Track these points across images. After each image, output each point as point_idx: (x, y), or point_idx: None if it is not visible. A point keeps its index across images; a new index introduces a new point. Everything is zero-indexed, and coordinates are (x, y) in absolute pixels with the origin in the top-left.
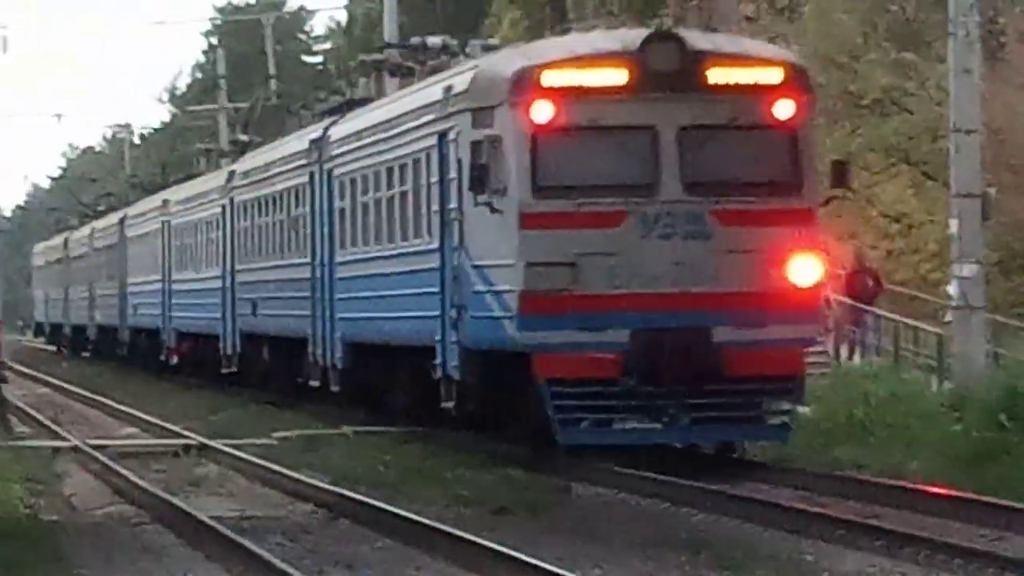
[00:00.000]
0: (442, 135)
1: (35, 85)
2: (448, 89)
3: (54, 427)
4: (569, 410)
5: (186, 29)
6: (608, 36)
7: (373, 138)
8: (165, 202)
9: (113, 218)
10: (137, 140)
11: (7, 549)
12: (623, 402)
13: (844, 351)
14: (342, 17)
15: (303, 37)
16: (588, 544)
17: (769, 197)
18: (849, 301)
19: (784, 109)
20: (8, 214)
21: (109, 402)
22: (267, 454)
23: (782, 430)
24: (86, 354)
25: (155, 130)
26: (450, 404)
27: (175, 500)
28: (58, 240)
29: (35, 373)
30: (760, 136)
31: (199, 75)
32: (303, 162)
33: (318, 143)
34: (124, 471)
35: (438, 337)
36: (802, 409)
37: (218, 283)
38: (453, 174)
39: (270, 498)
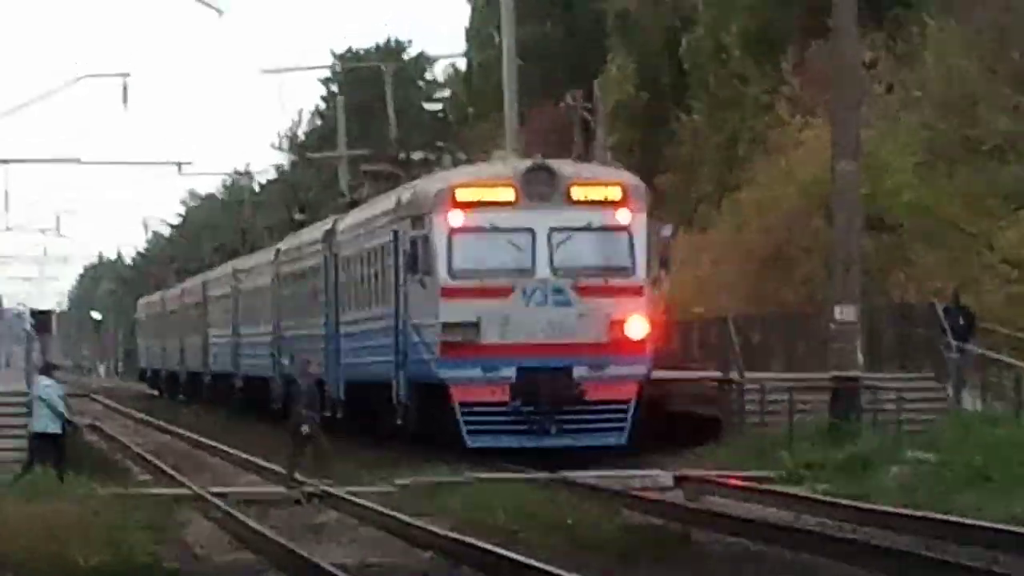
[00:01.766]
0: (395, 232)
1: (156, 133)
2: (398, 201)
3: (175, 474)
4: (474, 423)
5: (305, 76)
6: (503, 165)
7: (358, 232)
8: (234, 270)
9: (197, 280)
10: (257, 188)
11: None
12: (511, 418)
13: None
14: (462, 64)
15: (422, 84)
16: None
17: (611, 277)
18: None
19: (623, 216)
20: (129, 261)
21: (229, 449)
22: (387, 501)
23: (619, 435)
24: (182, 396)
25: (273, 179)
26: (400, 421)
27: (296, 547)
28: (156, 296)
29: (155, 420)
30: (605, 235)
31: (318, 122)
32: (319, 247)
33: (330, 233)
34: (245, 519)
35: (393, 375)
36: (923, 455)
37: (268, 337)
38: (400, 260)
39: (391, 545)
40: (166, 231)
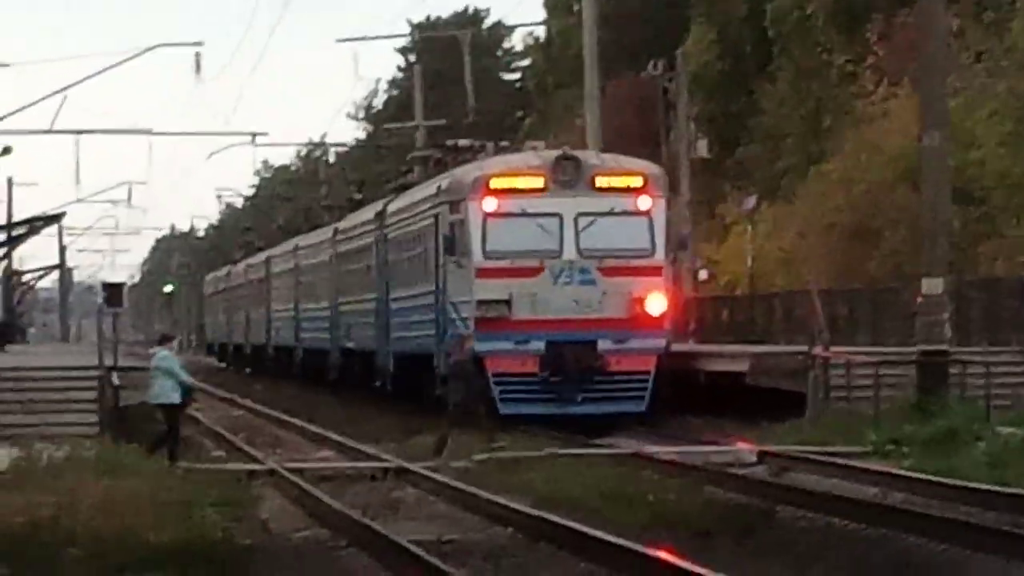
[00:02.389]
0: (436, 216)
1: (229, 104)
2: (439, 187)
3: (249, 449)
4: (507, 393)
5: (382, 46)
6: (533, 155)
7: (406, 215)
8: (296, 247)
9: (261, 256)
10: (332, 159)
11: (202, 573)
12: (540, 388)
13: None
14: (541, 33)
15: (501, 53)
16: (794, 570)
17: (632, 258)
18: None
19: (643, 202)
20: (202, 233)
21: (305, 424)
22: (465, 477)
23: (639, 403)
24: (247, 369)
25: (350, 148)
26: (439, 392)
27: (372, 524)
28: (223, 271)
29: (230, 395)
30: (627, 219)
31: (395, 92)
32: (372, 227)
33: (380, 215)
34: (320, 495)
35: (434, 348)
36: (1012, 430)
37: (328, 312)
38: (440, 242)
39: (469, 522)
40: (239, 203)
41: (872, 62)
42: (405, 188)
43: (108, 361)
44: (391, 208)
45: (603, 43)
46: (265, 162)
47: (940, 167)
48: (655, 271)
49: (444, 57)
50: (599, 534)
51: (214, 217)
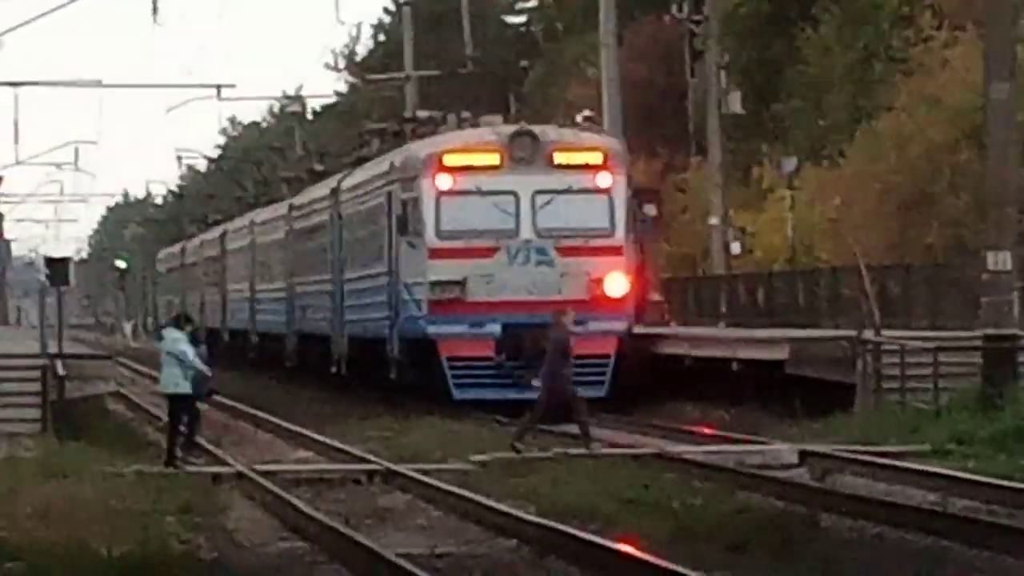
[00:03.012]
0: (388, 194)
1: (190, 53)
2: (391, 164)
3: (215, 450)
4: (461, 377)
5: None
6: (489, 131)
7: (358, 192)
8: (252, 223)
9: (216, 232)
10: (310, 115)
11: None
12: (496, 372)
13: None
14: None
15: None
16: None
17: (592, 238)
18: None
19: (603, 180)
20: (159, 201)
21: (278, 421)
22: (463, 481)
23: (599, 388)
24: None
25: (331, 104)
26: (393, 375)
27: (356, 535)
28: (176, 248)
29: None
30: (586, 197)
31: (381, 38)
32: (327, 204)
33: (335, 192)
34: (296, 501)
35: (387, 332)
36: None
37: (283, 293)
38: (393, 221)
39: (467, 532)
40: (203, 165)
41: (930, 2)
42: (362, 161)
43: (52, 348)
44: (345, 184)
45: None
46: (232, 119)
47: (1007, 123)
48: (615, 251)
49: None
50: (617, 547)
51: (173, 182)
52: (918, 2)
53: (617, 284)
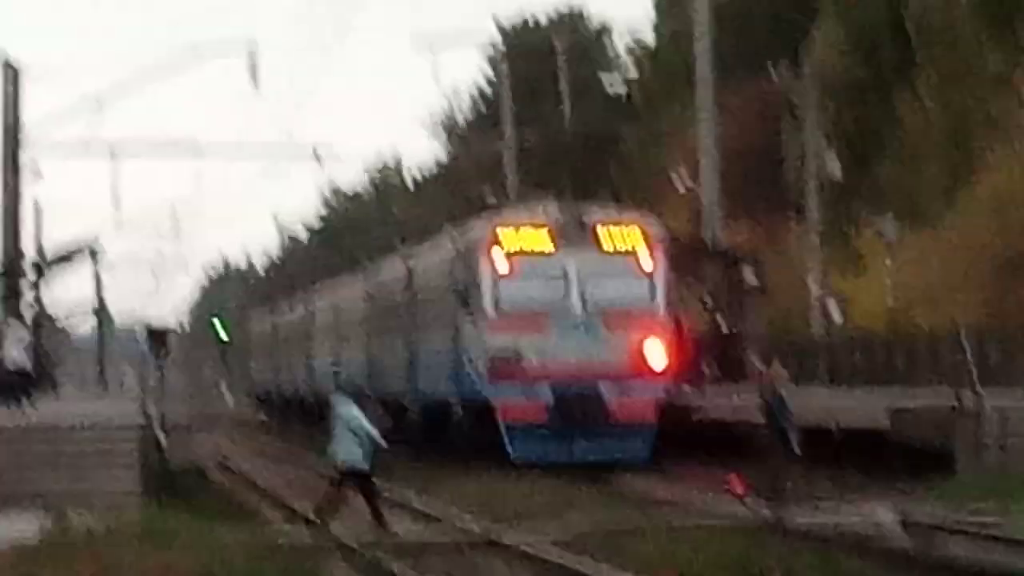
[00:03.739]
0: (451, 273)
1: (289, 120)
2: (455, 246)
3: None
4: (518, 438)
5: (465, 49)
6: (540, 212)
7: (429, 270)
8: (336, 294)
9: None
10: (410, 182)
11: None
12: (548, 434)
13: None
14: (648, 36)
15: (602, 59)
16: None
17: (634, 313)
18: None
19: (644, 260)
20: (261, 271)
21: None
22: (562, 552)
23: (643, 449)
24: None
25: (430, 172)
26: (459, 435)
27: None
28: (265, 312)
29: (291, 452)
30: (630, 276)
31: (481, 106)
32: (404, 285)
33: (409, 272)
34: (399, 570)
35: (452, 395)
36: None
37: (364, 360)
38: (455, 297)
39: None
40: (302, 234)
41: None
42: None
43: (154, 414)
44: (416, 265)
45: (719, 46)
46: (335, 190)
47: None
48: (656, 325)
49: (536, 63)
50: None
51: (273, 250)
52: (1016, 65)
53: (657, 354)
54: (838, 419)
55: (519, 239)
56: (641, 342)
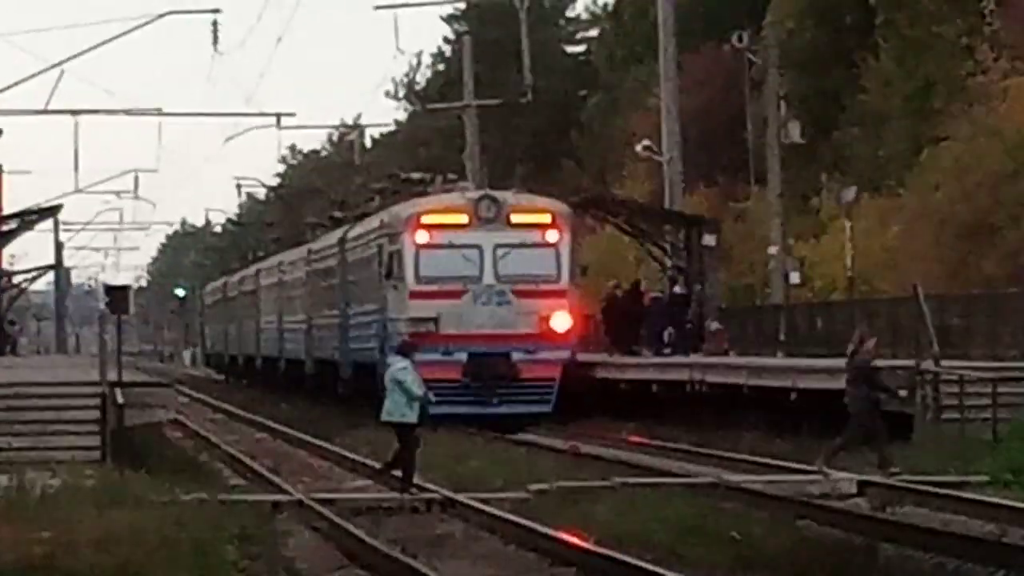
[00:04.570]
0: (379, 246)
1: (249, 80)
2: (381, 221)
3: (273, 478)
4: (436, 395)
5: (426, 13)
6: (459, 195)
7: (360, 242)
8: (280, 264)
9: (251, 269)
10: (368, 143)
11: None
12: (463, 392)
13: None
14: None
15: (563, 22)
16: None
17: (542, 283)
18: None
19: (551, 236)
20: (218, 229)
21: (337, 449)
22: (521, 509)
23: (547, 406)
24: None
25: (388, 133)
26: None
27: (414, 562)
28: (219, 283)
29: (247, 414)
30: (537, 250)
31: (441, 67)
32: (336, 251)
33: (342, 240)
34: (355, 530)
35: (377, 358)
36: None
37: (304, 325)
38: (382, 268)
39: (525, 561)
40: (262, 194)
41: (989, 34)
42: (361, 217)
43: (111, 376)
44: (350, 235)
45: (681, 9)
46: (293, 148)
47: None
48: (561, 294)
49: (497, 27)
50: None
51: (232, 210)
52: (976, 33)
53: (561, 321)
54: (797, 384)
55: (439, 218)
56: (547, 309)
